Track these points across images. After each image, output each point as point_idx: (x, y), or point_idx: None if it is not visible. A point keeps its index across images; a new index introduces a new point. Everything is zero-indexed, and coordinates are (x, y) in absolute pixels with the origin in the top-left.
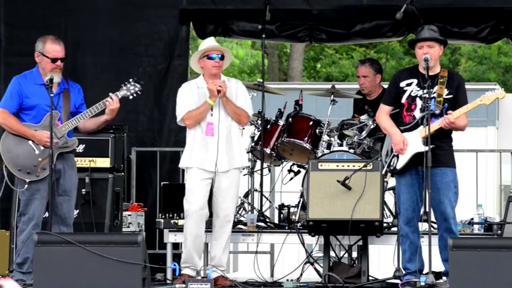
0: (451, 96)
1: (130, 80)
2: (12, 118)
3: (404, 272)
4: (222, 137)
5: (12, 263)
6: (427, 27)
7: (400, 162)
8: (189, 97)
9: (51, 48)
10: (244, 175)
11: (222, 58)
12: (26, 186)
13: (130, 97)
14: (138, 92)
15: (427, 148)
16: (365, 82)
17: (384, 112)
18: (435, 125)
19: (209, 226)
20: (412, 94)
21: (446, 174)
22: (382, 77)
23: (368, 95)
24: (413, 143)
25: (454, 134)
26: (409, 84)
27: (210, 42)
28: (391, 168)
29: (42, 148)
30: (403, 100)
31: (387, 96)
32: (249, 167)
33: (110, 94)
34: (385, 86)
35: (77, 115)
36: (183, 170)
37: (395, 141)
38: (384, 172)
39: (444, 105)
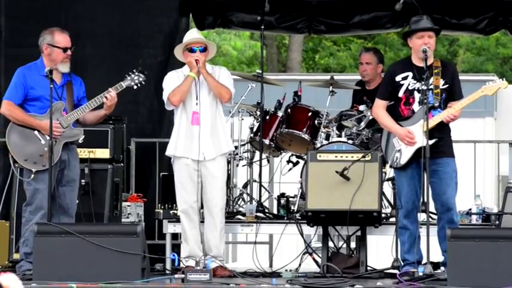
0: (447, 85)
1: (135, 70)
2: (18, 109)
3: (403, 263)
4: (207, 126)
5: (12, 253)
6: (426, 17)
7: (404, 157)
8: (175, 82)
9: (61, 38)
10: (244, 166)
11: (204, 50)
12: (33, 176)
13: (135, 87)
14: (142, 83)
15: (430, 142)
16: (367, 69)
17: (381, 107)
18: (436, 118)
19: (202, 217)
20: (410, 88)
21: (449, 164)
22: (383, 68)
23: (368, 83)
24: (416, 137)
25: (452, 125)
26: (405, 78)
27: (191, 35)
28: (396, 163)
29: (47, 138)
30: (401, 94)
31: (383, 91)
32: (247, 157)
33: (110, 89)
34: None
35: (79, 107)
36: None
37: (401, 137)
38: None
39: (442, 96)
